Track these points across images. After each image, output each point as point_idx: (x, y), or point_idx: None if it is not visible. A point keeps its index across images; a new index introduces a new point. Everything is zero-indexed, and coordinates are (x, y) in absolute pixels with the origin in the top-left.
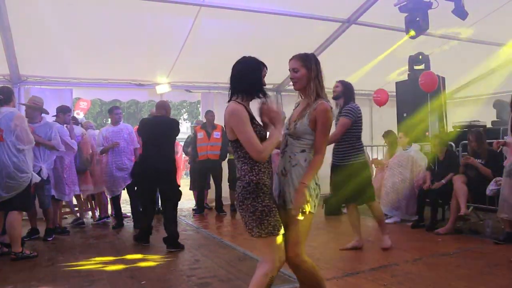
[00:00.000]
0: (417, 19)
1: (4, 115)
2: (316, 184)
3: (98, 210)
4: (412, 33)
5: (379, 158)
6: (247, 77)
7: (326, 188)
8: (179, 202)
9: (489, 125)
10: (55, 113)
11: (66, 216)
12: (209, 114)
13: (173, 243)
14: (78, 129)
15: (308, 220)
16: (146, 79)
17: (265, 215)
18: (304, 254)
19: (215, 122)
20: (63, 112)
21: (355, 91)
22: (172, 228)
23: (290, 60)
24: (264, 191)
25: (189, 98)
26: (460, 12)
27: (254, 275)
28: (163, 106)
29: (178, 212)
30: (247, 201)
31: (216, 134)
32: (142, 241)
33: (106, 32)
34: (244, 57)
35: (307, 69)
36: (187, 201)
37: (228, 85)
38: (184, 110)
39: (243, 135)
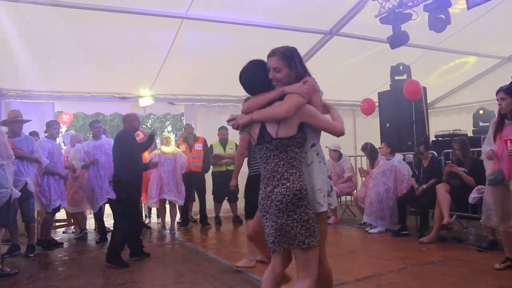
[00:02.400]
0: (397, 31)
1: None
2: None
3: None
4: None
5: (364, 168)
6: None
7: None
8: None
9: (470, 134)
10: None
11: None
12: (188, 127)
13: (108, 258)
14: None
15: (324, 220)
16: (129, 92)
17: (315, 223)
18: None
19: (198, 134)
20: (49, 127)
21: (339, 102)
22: (112, 241)
23: (272, 57)
24: (308, 197)
25: (173, 111)
26: (439, 24)
27: None
28: (123, 120)
29: (162, 225)
30: (300, 209)
31: (198, 146)
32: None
33: (88, 45)
34: (253, 62)
35: (290, 68)
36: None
37: (212, 97)
38: (168, 122)
39: (323, 121)
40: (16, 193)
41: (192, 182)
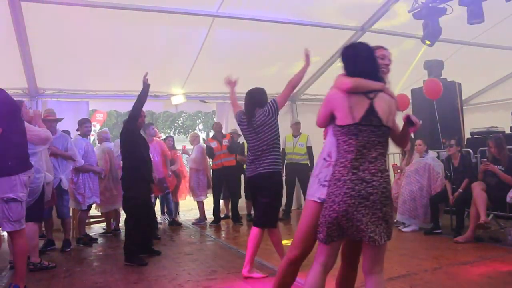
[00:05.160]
0: (431, 26)
1: None
2: None
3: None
4: (428, 42)
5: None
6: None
7: None
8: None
9: (507, 131)
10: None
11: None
12: (217, 125)
13: (126, 257)
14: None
15: None
16: (161, 90)
17: None
18: None
19: (230, 132)
20: (81, 125)
21: None
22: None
23: (384, 49)
24: None
25: (204, 109)
26: (477, 15)
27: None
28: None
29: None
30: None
31: (226, 142)
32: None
33: (121, 44)
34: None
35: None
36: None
37: (243, 95)
38: (199, 120)
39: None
40: (49, 177)
41: (224, 178)
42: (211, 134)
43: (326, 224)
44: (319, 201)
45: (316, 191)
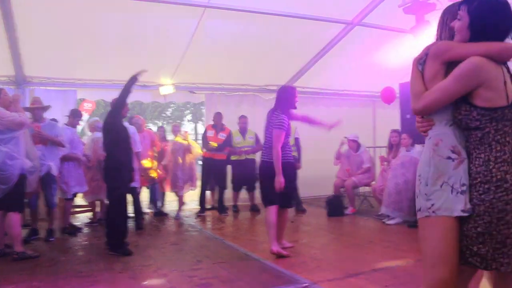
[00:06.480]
0: (422, 20)
1: None
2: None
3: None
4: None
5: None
6: None
7: (329, 189)
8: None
9: None
10: (68, 115)
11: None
12: (219, 116)
13: (110, 246)
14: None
15: None
16: (150, 80)
17: None
18: None
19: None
20: (73, 116)
21: (358, 93)
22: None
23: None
24: None
25: (193, 99)
26: None
27: None
28: (110, 105)
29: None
30: None
31: (221, 135)
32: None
33: (110, 33)
34: None
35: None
36: (191, 201)
37: (232, 86)
38: (188, 111)
39: None
40: (27, 164)
41: (212, 168)
42: (204, 124)
43: (495, 243)
44: (464, 214)
45: (454, 202)
